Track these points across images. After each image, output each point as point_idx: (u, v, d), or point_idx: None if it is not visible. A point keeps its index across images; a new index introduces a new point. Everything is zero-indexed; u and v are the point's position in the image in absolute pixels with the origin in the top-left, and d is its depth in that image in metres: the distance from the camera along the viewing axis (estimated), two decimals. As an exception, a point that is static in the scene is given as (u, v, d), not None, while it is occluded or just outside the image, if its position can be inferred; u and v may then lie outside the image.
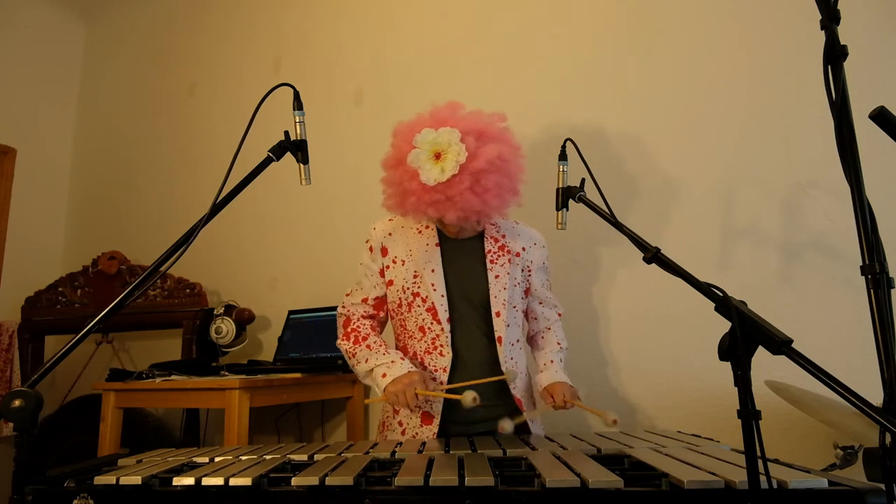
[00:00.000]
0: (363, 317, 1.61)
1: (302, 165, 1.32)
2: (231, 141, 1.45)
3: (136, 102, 3.44)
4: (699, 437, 1.33)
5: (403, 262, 1.55)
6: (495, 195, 1.38)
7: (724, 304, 0.85)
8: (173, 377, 2.16)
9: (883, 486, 0.75)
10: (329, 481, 0.91)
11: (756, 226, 1.90)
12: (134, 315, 2.81)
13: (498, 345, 1.50)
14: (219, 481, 0.94)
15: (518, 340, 1.57)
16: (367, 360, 1.50)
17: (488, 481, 0.87)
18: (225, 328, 2.54)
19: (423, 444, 1.25)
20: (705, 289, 0.92)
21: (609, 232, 1.47)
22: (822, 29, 0.89)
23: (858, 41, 1.43)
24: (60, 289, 3.03)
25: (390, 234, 1.59)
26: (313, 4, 2.91)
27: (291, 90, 1.32)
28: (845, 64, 0.86)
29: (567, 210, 1.45)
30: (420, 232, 1.58)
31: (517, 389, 1.54)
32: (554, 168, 1.48)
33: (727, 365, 0.79)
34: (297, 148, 1.30)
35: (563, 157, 1.48)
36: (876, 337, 0.77)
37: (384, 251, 1.58)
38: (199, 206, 1.22)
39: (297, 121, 1.32)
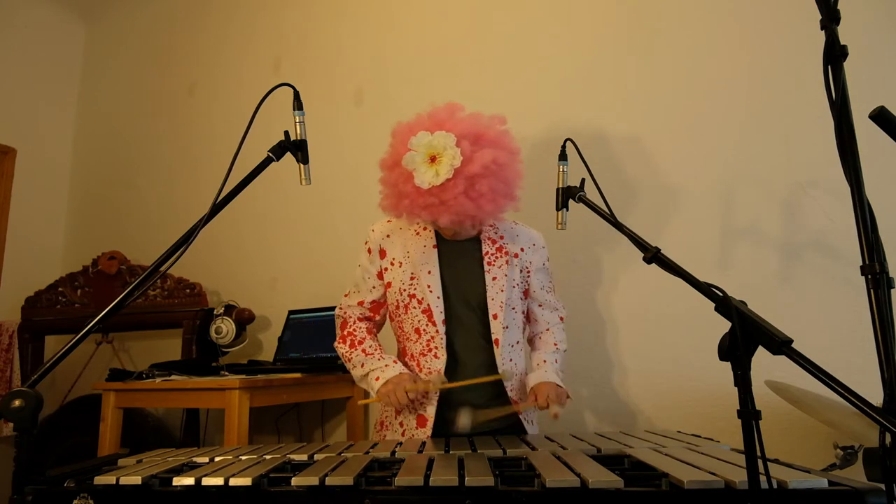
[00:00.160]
0: (359, 319, 1.62)
1: (302, 165, 1.32)
2: (231, 141, 1.45)
3: (136, 102, 3.44)
4: (699, 437, 1.33)
5: (401, 263, 1.55)
6: (490, 200, 1.37)
7: (724, 304, 0.85)
8: (173, 377, 2.16)
9: (883, 486, 0.75)
10: (329, 481, 0.91)
11: (756, 226, 1.90)
12: (134, 315, 2.81)
13: (495, 347, 1.50)
14: (219, 481, 0.94)
15: (518, 342, 1.56)
16: (362, 365, 1.53)
17: (488, 481, 0.87)
18: (225, 328, 2.54)
19: (423, 443, 1.25)
20: (705, 289, 0.92)
21: (609, 232, 1.48)
22: (822, 29, 0.89)
23: (858, 41, 1.43)
24: (60, 289, 3.03)
25: (388, 236, 1.59)
26: (313, 4, 2.91)
27: (291, 90, 1.32)
28: (845, 64, 0.86)
29: (567, 210, 1.45)
30: (418, 234, 1.58)
31: (514, 392, 1.53)
32: (554, 168, 1.48)
33: (727, 365, 0.79)
34: (297, 148, 1.30)
35: (563, 157, 1.48)
36: (876, 337, 0.77)
37: (382, 253, 1.58)
38: (199, 206, 1.22)
39: (297, 121, 1.32)
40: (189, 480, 0.96)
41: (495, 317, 1.51)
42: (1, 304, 3.11)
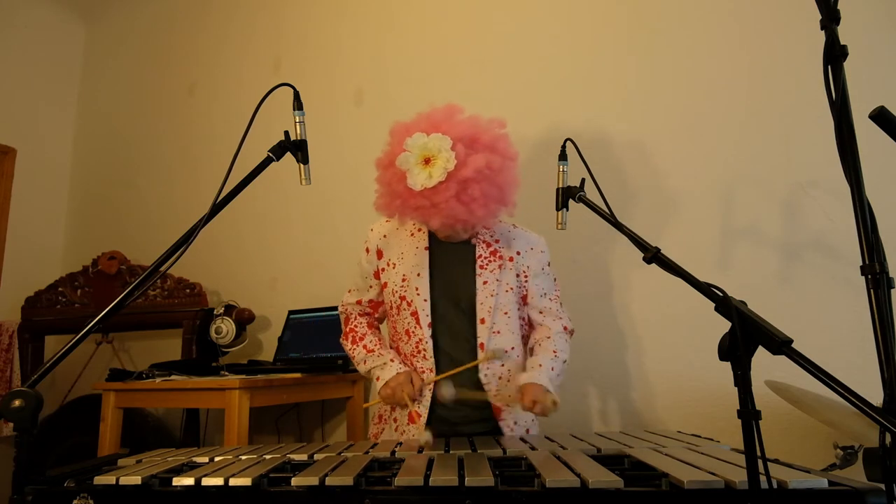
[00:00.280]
0: (360, 315, 1.66)
1: (302, 165, 1.32)
2: (231, 141, 1.45)
3: (136, 102, 3.44)
4: (699, 437, 1.33)
5: (395, 265, 1.56)
6: (481, 205, 1.37)
7: (724, 304, 0.85)
8: (173, 377, 2.16)
9: (883, 486, 0.75)
10: (329, 481, 0.91)
11: (756, 226, 1.90)
12: (134, 315, 2.81)
13: (479, 351, 1.48)
14: (219, 481, 0.94)
15: (513, 348, 1.52)
16: (364, 362, 1.55)
17: (488, 481, 0.87)
18: (225, 328, 2.54)
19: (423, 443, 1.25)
20: (705, 289, 0.92)
21: (609, 232, 1.48)
22: (822, 29, 0.89)
23: (858, 41, 1.43)
24: (60, 289, 3.03)
25: (385, 237, 1.60)
26: (313, 4, 2.91)
27: (291, 90, 1.32)
28: (845, 64, 0.86)
29: (567, 210, 1.45)
30: (412, 235, 1.58)
31: (496, 396, 1.50)
32: (554, 168, 1.48)
33: (727, 365, 0.79)
34: (297, 148, 1.30)
35: (563, 157, 1.48)
36: (876, 337, 0.77)
37: (379, 253, 1.59)
38: (199, 206, 1.22)
39: (297, 121, 1.32)
40: (189, 480, 0.96)
41: (483, 321, 1.48)
42: (1, 304, 3.11)
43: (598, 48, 2.22)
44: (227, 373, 2.18)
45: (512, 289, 1.53)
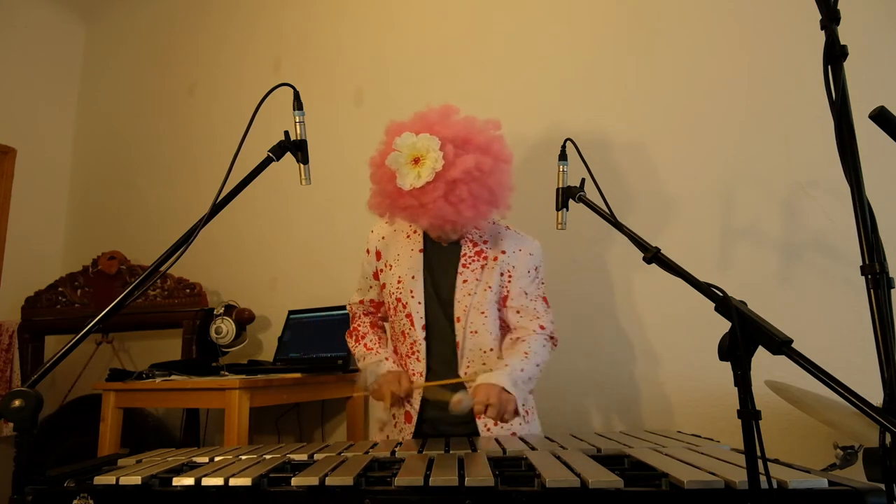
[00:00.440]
0: (364, 314, 1.70)
1: (302, 165, 1.32)
2: (231, 141, 1.45)
3: (136, 102, 3.44)
4: (699, 437, 1.33)
5: (391, 266, 1.57)
6: (470, 206, 1.36)
7: (724, 304, 0.85)
8: (173, 377, 2.16)
9: (883, 486, 0.75)
10: (329, 481, 0.91)
11: (756, 226, 1.90)
12: (134, 315, 2.81)
13: (456, 350, 1.47)
14: (219, 481, 0.94)
15: (492, 349, 1.50)
16: (363, 359, 1.59)
17: (488, 481, 0.87)
18: (225, 328, 2.54)
19: (424, 443, 1.25)
20: (705, 289, 0.92)
21: (609, 232, 1.48)
22: (822, 29, 0.89)
23: (858, 41, 1.43)
24: (60, 289, 3.03)
25: (384, 238, 1.61)
26: (313, 4, 2.91)
27: (291, 90, 1.32)
28: (845, 64, 0.86)
29: (567, 210, 1.45)
30: (408, 237, 1.58)
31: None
32: (554, 168, 1.48)
33: (727, 365, 0.79)
34: (297, 148, 1.30)
35: (562, 157, 1.48)
36: (876, 337, 0.77)
37: (378, 255, 1.60)
38: (199, 206, 1.22)
39: (297, 121, 1.32)
40: (189, 480, 0.96)
41: (458, 320, 1.47)
42: (1, 304, 3.10)
43: (598, 48, 2.22)
44: (227, 373, 2.18)
45: (490, 287, 1.49)
